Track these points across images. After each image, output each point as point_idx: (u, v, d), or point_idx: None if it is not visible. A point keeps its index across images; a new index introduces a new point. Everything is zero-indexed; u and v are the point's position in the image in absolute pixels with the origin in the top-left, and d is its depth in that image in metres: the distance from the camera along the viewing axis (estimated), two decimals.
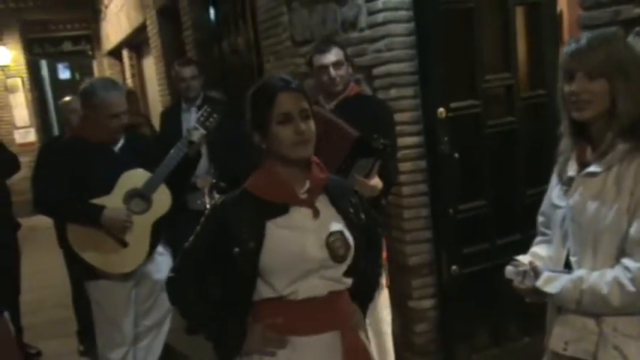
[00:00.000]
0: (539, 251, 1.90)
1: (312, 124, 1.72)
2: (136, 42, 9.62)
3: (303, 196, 1.74)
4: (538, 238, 1.97)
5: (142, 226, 2.95)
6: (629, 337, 1.62)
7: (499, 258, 3.17)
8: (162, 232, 3.10)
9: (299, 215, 1.73)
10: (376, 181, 2.60)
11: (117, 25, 9.93)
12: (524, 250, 1.99)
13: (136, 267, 2.98)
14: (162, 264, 3.17)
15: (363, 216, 1.85)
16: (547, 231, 1.92)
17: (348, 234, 1.75)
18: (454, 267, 3.15)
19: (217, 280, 1.84)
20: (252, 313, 1.78)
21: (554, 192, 1.83)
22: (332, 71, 2.78)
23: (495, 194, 3.24)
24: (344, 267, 1.76)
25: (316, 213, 1.74)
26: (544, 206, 1.95)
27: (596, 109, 1.64)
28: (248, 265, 1.69)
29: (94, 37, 12.39)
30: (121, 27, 9.55)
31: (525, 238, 2.35)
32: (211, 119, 3.10)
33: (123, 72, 11.07)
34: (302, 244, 1.70)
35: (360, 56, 3.25)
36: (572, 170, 1.74)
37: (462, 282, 3.18)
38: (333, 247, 1.71)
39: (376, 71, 3.20)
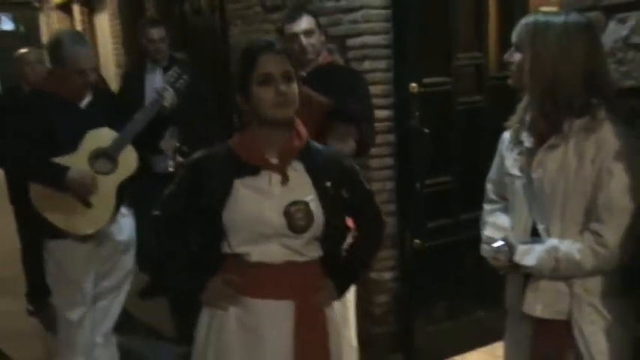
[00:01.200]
0: (500, 222, 1.96)
1: (294, 87, 1.73)
2: None
3: (273, 161, 1.75)
4: (489, 207, 2.04)
5: (107, 187, 2.88)
6: (600, 295, 1.74)
7: (461, 233, 3.30)
8: (127, 193, 3.04)
9: (267, 179, 1.75)
10: (352, 146, 2.62)
11: None
12: None
13: (100, 228, 2.92)
14: (125, 225, 3.13)
15: (345, 193, 1.84)
16: (498, 199, 2.02)
17: (315, 206, 1.75)
18: (417, 240, 3.21)
19: (193, 230, 1.91)
20: (221, 267, 1.83)
21: (507, 161, 1.91)
22: (303, 39, 2.75)
23: (461, 170, 3.31)
24: (306, 239, 1.76)
25: (285, 179, 1.75)
26: (493, 174, 2.04)
27: (517, 80, 1.81)
28: (212, 217, 1.74)
29: None
30: None
31: None
32: (181, 80, 3.04)
33: (73, 27, 10.64)
34: (260, 206, 1.73)
35: (335, 26, 3.23)
36: (528, 142, 1.82)
37: (423, 255, 3.25)
38: (293, 216, 1.72)
39: (350, 42, 3.19)
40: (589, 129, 1.70)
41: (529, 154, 1.81)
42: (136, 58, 4.31)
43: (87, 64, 2.81)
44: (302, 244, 1.77)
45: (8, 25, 12.61)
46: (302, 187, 1.77)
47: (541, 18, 1.76)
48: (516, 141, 1.87)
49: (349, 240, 2.00)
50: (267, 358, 1.77)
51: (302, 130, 1.81)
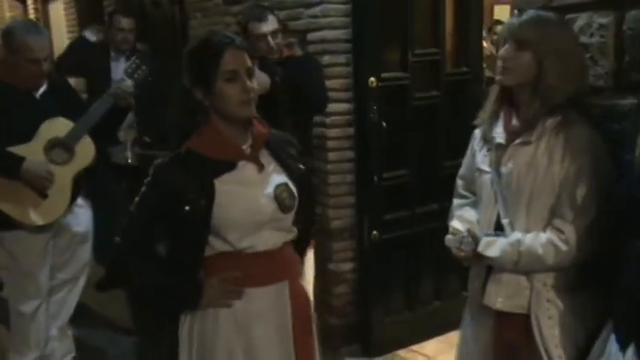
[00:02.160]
0: (467, 216, 2.01)
1: (255, 82, 1.74)
2: None
3: (247, 152, 1.77)
4: (458, 201, 2.08)
5: (63, 177, 2.85)
6: (558, 290, 1.80)
7: (417, 226, 3.37)
8: (83, 184, 3.01)
9: (245, 171, 1.77)
10: (258, 72, 2.63)
11: None
12: (440, 219, 2.11)
13: (55, 219, 2.89)
14: (82, 216, 3.10)
15: (301, 166, 1.91)
16: (467, 194, 2.06)
17: (291, 184, 1.82)
18: (375, 232, 3.27)
19: (166, 243, 1.85)
20: (204, 268, 1.79)
21: (477, 157, 1.96)
22: (270, 40, 2.85)
23: (417, 164, 3.37)
24: (290, 217, 1.83)
25: (261, 167, 1.78)
26: (464, 170, 2.08)
27: (517, 78, 1.78)
28: (199, 222, 1.71)
29: None
30: None
31: (442, 208, 2.50)
32: (139, 71, 3.03)
33: (26, 15, 10.37)
34: (253, 198, 1.74)
35: (295, 20, 3.26)
36: (499, 137, 1.86)
37: (381, 247, 3.31)
38: (281, 198, 1.77)
39: (310, 36, 3.22)
40: (561, 128, 1.74)
41: (500, 150, 1.84)
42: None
43: (40, 53, 2.75)
44: (289, 222, 1.83)
45: None
46: (274, 171, 1.81)
47: (544, 15, 1.78)
48: (487, 137, 1.90)
49: None
50: (272, 342, 1.80)
51: (258, 117, 1.83)
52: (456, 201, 2.09)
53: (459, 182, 2.10)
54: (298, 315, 1.85)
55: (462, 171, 2.09)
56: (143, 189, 1.77)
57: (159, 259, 1.84)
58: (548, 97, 1.75)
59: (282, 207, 1.77)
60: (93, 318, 3.88)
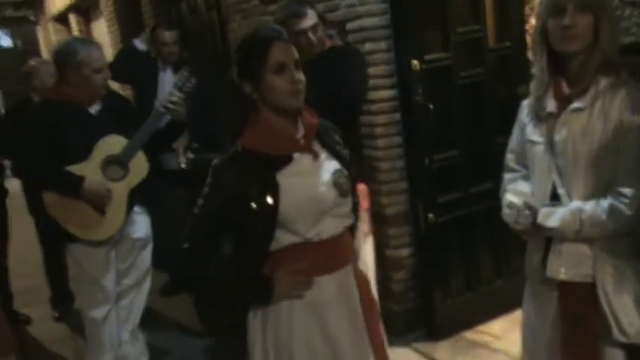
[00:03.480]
0: (521, 188, 1.98)
1: (302, 74, 1.75)
2: (84, 6, 9.29)
3: (301, 143, 1.79)
4: (509, 175, 2.05)
5: (119, 193, 2.95)
6: (623, 256, 1.77)
7: (472, 206, 3.34)
8: (139, 193, 3.10)
9: (302, 161, 1.79)
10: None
11: None
12: (495, 197, 2.08)
13: (114, 232, 2.99)
14: (140, 223, 3.20)
15: (347, 151, 1.92)
16: (518, 167, 2.02)
17: (344, 170, 1.83)
18: (430, 215, 3.26)
19: (231, 241, 1.86)
20: (268, 263, 1.81)
21: (527, 129, 1.92)
22: (310, 35, 2.82)
23: (467, 144, 3.34)
24: (349, 201, 1.85)
25: (316, 156, 1.81)
26: (513, 144, 2.04)
27: (583, 42, 1.74)
28: (267, 219, 1.73)
29: (37, 2, 11.91)
30: None
31: (496, 187, 2.44)
32: (189, 84, 3.08)
33: (75, 37, 10.70)
34: (314, 187, 1.77)
35: (333, 11, 3.27)
36: (551, 107, 1.83)
37: (437, 230, 3.29)
38: (339, 183, 1.79)
39: (349, 26, 3.23)
40: (614, 88, 1.71)
41: (552, 119, 1.82)
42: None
43: (103, 61, 2.92)
44: (349, 207, 1.85)
45: (6, 42, 12.66)
46: (327, 158, 1.84)
47: None
48: (538, 107, 1.87)
49: None
50: (345, 326, 1.82)
51: (309, 108, 1.85)
52: (507, 175, 2.06)
53: (509, 156, 2.07)
54: (364, 297, 1.88)
55: (511, 144, 2.06)
56: (205, 190, 1.79)
57: (226, 258, 1.87)
58: (605, 56, 1.72)
59: (342, 192, 1.79)
60: (161, 321, 4.00)
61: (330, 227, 1.79)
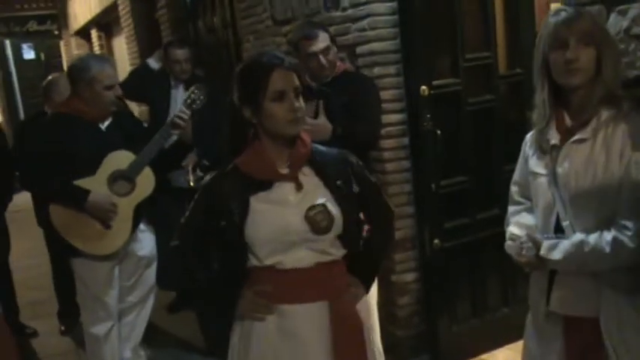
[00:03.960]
0: (524, 221, 1.96)
1: (302, 102, 1.76)
2: (105, 21, 9.46)
3: (284, 172, 1.79)
4: (514, 208, 2.03)
5: (125, 208, 2.97)
6: (627, 292, 1.73)
7: (479, 232, 3.32)
8: (144, 210, 3.12)
9: (282, 190, 1.79)
10: (323, 120, 2.71)
11: (85, 5, 9.75)
12: (502, 224, 2.05)
13: (118, 248, 3.01)
14: (145, 241, 3.22)
15: (356, 187, 1.88)
16: (523, 200, 2.00)
17: (332, 206, 1.79)
18: (436, 241, 3.24)
19: (214, 251, 1.95)
20: (248, 279, 1.87)
21: (531, 161, 1.91)
22: (321, 58, 2.83)
23: (475, 170, 3.33)
24: (329, 238, 1.81)
25: (299, 187, 1.80)
26: (517, 176, 2.03)
27: (586, 75, 1.73)
28: (234, 236, 1.77)
29: (60, 17, 12.12)
30: (90, 6, 9.38)
31: (503, 213, 2.42)
32: (198, 102, 3.12)
33: (92, 51, 10.88)
34: (282, 217, 1.77)
35: (343, 35, 3.28)
36: (554, 139, 1.81)
37: (444, 256, 3.27)
38: (314, 219, 1.76)
39: (359, 50, 3.24)
40: (616, 120, 1.70)
41: (555, 151, 1.81)
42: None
43: (115, 79, 2.98)
44: (327, 244, 1.82)
45: (30, 55, 12.87)
46: (315, 191, 1.81)
47: (581, 10, 1.77)
48: (541, 139, 1.85)
49: (364, 235, 2.03)
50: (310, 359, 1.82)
51: (305, 136, 1.85)
52: (511, 208, 2.05)
53: (513, 189, 2.05)
54: (342, 338, 1.82)
55: (515, 177, 2.05)
56: (193, 201, 1.88)
57: (208, 267, 1.94)
58: (607, 88, 1.72)
59: (315, 228, 1.76)
60: (165, 338, 3.99)
61: (301, 259, 1.79)
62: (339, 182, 1.84)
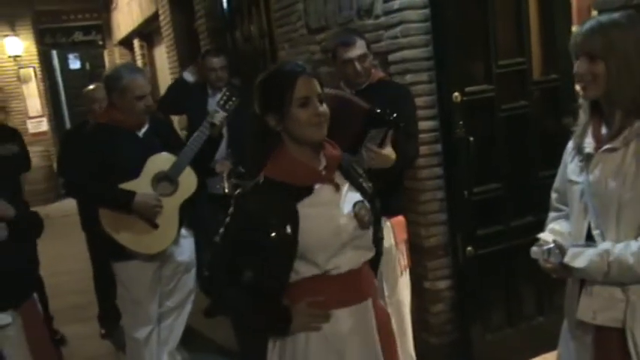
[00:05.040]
0: (558, 228, 1.96)
1: (326, 107, 1.81)
2: (147, 31, 9.69)
3: (323, 174, 1.83)
4: (553, 214, 2.03)
5: (171, 208, 3.06)
6: None
7: (513, 240, 3.28)
8: (186, 214, 3.19)
9: (323, 192, 1.82)
10: (389, 151, 2.67)
11: (128, 15, 10.00)
12: (538, 231, 2.04)
13: (167, 246, 3.09)
14: (185, 246, 3.28)
15: (370, 185, 1.94)
16: (562, 207, 1.99)
17: (366, 202, 1.86)
18: (469, 248, 3.22)
19: (250, 270, 1.90)
20: (287, 294, 1.84)
21: (569, 168, 1.90)
22: (357, 65, 2.84)
23: (509, 177, 3.30)
24: (370, 233, 1.86)
25: (337, 187, 1.84)
26: (557, 183, 2.02)
27: (598, 89, 1.73)
28: (286, 248, 1.76)
29: (104, 27, 12.46)
30: (133, 17, 9.62)
31: (538, 220, 2.39)
32: (230, 102, 3.20)
33: (134, 61, 11.13)
34: (334, 218, 1.79)
35: (376, 43, 3.29)
36: (589, 147, 1.80)
37: (477, 263, 3.25)
38: (360, 215, 1.81)
39: (392, 57, 3.25)
40: None
41: (588, 159, 1.80)
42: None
43: (146, 88, 3.04)
44: (369, 239, 1.87)
45: (76, 64, 13.25)
46: (349, 190, 1.86)
47: (605, 21, 1.73)
48: (578, 147, 1.85)
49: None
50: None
51: (329, 140, 1.88)
52: (550, 214, 2.05)
53: (554, 195, 2.05)
54: (383, 332, 1.89)
55: (556, 184, 2.04)
56: (227, 220, 1.85)
57: (247, 287, 1.89)
58: (628, 100, 1.69)
59: (362, 224, 1.81)
60: (202, 343, 4.06)
61: (350, 260, 1.81)
62: (361, 180, 1.92)
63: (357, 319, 1.84)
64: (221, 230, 1.85)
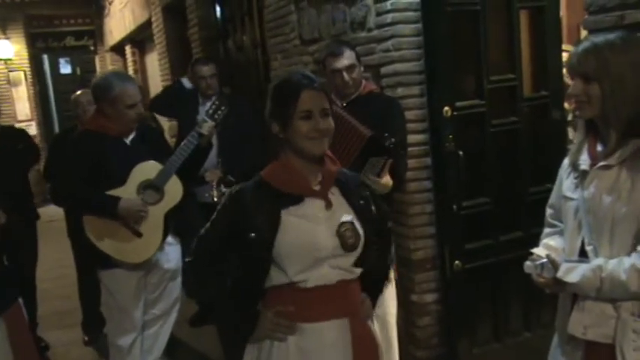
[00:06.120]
0: (552, 243, 1.96)
1: (330, 122, 1.81)
2: (139, 38, 9.67)
3: (316, 188, 1.83)
4: (547, 230, 2.03)
5: (155, 216, 3.03)
6: None
7: (501, 254, 3.30)
8: (172, 222, 3.18)
9: (312, 206, 1.81)
10: (387, 180, 2.67)
11: (120, 21, 9.98)
12: (526, 247, 2.05)
13: (150, 256, 3.06)
14: (172, 253, 3.25)
15: (373, 208, 1.92)
16: (557, 223, 1.99)
17: (358, 224, 1.83)
18: (457, 262, 3.22)
19: (231, 266, 1.91)
20: (263, 299, 1.86)
21: (564, 184, 1.91)
22: (345, 75, 2.85)
23: (498, 192, 3.32)
24: (354, 256, 1.84)
25: (329, 204, 1.82)
26: (553, 199, 2.02)
27: (594, 110, 1.74)
28: (262, 250, 1.77)
29: (97, 33, 12.42)
30: (125, 23, 9.60)
31: (527, 236, 2.40)
32: (219, 112, 3.19)
33: (126, 68, 11.10)
34: (314, 233, 1.78)
35: (368, 55, 3.32)
36: (584, 164, 1.81)
37: (464, 277, 3.26)
38: (344, 236, 1.79)
39: (384, 70, 3.27)
40: None
41: (583, 176, 1.81)
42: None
43: (137, 97, 3.02)
44: (350, 262, 1.84)
45: (66, 69, 13.21)
46: (342, 209, 1.85)
47: (599, 42, 1.74)
48: (574, 164, 1.86)
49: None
50: None
51: (331, 155, 1.90)
52: (545, 230, 2.05)
53: (549, 211, 2.05)
54: (361, 354, 1.84)
55: (551, 200, 2.05)
56: (215, 213, 1.87)
57: (223, 284, 1.91)
58: (623, 119, 1.71)
59: (344, 245, 1.79)
60: (186, 352, 4.03)
61: (323, 277, 1.80)
62: (361, 202, 1.89)
63: (328, 337, 1.82)
64: (207, 224, 1.88)
